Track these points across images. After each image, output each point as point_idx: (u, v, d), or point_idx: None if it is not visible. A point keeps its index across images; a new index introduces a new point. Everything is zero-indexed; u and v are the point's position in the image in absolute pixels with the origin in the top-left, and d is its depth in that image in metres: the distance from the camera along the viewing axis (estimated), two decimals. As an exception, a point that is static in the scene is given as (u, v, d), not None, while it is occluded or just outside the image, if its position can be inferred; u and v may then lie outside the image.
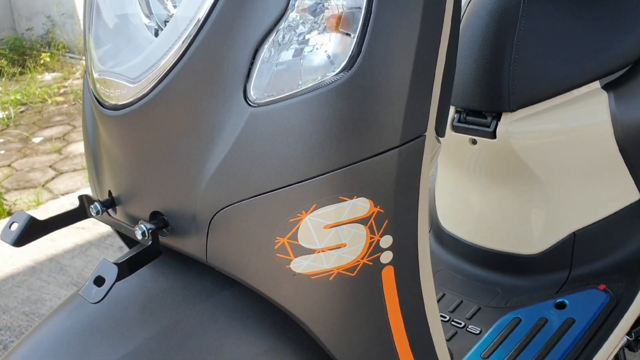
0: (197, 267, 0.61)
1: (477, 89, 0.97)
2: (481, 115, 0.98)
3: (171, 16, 0.54)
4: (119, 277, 0.51)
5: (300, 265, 0.52)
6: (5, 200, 2.43)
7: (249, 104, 0.50)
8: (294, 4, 0.49)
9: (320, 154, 0.49)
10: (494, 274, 1.09)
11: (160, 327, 0.56)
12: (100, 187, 0.65)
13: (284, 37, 0.50)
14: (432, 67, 0.52)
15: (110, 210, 0.64)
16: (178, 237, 0.56)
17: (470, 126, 1.00)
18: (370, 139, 0.50)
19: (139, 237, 0.55)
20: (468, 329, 0.99)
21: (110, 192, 0.63)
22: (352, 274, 0.52)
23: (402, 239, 0.53)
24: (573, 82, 0.97)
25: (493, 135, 0.97)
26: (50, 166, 2.81)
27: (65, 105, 3.76)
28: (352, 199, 0.50)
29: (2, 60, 4.46)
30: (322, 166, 0.49)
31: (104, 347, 0.55)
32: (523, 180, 1.01)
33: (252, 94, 0.50)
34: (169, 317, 0.57)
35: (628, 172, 1.03)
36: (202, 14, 0.50)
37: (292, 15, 0.49)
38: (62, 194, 2.49)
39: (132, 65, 0.54)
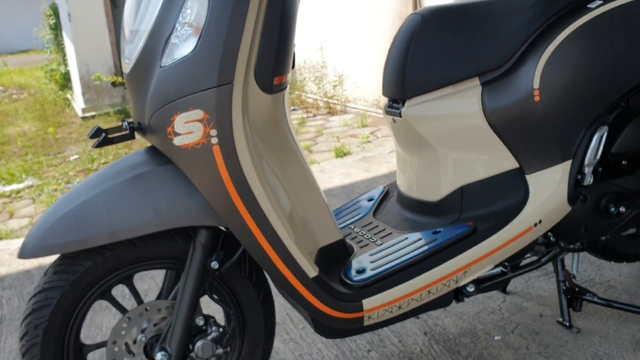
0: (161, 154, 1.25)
1: (390, 83, 1.47)
2: (397, 102, 1.48)
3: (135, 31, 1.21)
4: (103, 139, 1.18)
5: (178, 141, 1.13)
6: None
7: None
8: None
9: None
10: (414, 214, 1.54)
11: (138, 173, 1.20)
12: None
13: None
14: (237, 45, 1.10)
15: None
16: (147, 133, 1.21)
17: (392, 110, 1.50)
18: (202, 78, 1.10)
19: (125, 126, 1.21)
20: (374, 242, 1.47)
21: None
22: (198, 147, 1.13)
23: (221, 128, 1.12)
24: (454, 79, 1.41)
25: (400, 116, 1.46)
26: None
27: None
28: (193, 109, 1.11)
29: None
30: (191, 89, 1.11)
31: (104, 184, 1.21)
32: (423, 148, 1.47)
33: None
34: (147, 168, 1.21)
35: (504, 146, 1.42)
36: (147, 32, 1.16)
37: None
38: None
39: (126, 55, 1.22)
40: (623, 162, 1.57)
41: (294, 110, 5.39)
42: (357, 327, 1.36)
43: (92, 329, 1.93)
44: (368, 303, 1.31)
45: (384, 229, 1.53)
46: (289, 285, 1.25)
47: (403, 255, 1.37)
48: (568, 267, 1.68)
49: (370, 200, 1.71)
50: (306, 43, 5.48)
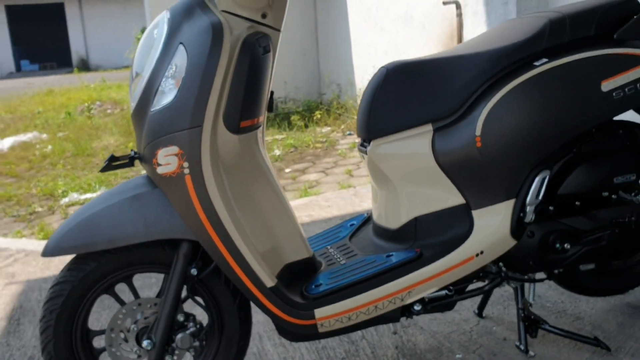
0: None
1: (359, 125, 1.70)
2: (365, 142, 1.71)
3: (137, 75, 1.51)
4: (107, 165, 1.49)
5: (159, 170, 1.42)
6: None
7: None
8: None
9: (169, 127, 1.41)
10: (379, 240, 1.76)
11: (135, 194, 1.51)
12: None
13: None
14: (206, 95, 1.38)
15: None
16: (142, 162, 1.51)
17: (362, 148, 1.73)
18: (178, 121, 1.39)
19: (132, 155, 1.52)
20: (340, 261, 1.70)
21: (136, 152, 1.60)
22: (174, 175, 1.41)
23: (192, 162, 1.40)
24: (410, 124, 1.63)
25: (367, 154, 1.69)
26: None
27: (319, 150, 5.03)
28: (171, 146, 1.40)
29: (295, 116, 6.02)
30: (170, 130, 1.40)
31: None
32: (386, 182, 1.69)
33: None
34: (143, 190, 1.51)
35: (452, 184, 1.62)
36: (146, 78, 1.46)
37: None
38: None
39: (132, 97, 1.53)
40: (576, 202, 1.72)
41: (349, 135, 5.66)
42: (313, 333, 1.59)
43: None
44: (319, 312, 1.54)
45: (352, 251, 1.76)
46: (249, 293, 1.51)
47: (356, 274, 1.60)
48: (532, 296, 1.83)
49: (351, 225, 1.94)
50: (363, 73, 5.75)
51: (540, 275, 1.80)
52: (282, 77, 6.60)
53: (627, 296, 2.09)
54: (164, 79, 1.43)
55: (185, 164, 1.41)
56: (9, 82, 18.85)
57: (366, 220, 1.94)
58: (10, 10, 25.46)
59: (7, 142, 6.95)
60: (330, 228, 1.98)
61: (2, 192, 4.60)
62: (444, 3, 4.01)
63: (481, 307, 2.07)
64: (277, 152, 5.03)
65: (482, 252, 1.60)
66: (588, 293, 1.96)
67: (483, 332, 1.97)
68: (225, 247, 1.46)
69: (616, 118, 1.73)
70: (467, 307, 2.13)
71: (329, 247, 1.84)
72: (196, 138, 1.40)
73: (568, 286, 1.93)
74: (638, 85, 1.64)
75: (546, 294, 2.17)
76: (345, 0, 6.08)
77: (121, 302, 1.61)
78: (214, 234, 1.45)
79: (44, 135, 7.27)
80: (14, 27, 25.90)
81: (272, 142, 5.45)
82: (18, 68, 25.89)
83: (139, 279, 1.75)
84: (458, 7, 3.90)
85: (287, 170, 4.53)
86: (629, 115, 1.89)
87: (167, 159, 1.42)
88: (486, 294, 2.05)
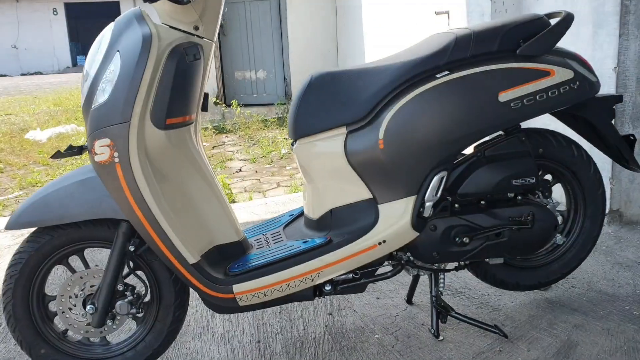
0: None
1: (288, 126, 1.92)
2: (294, 141, 1.93)
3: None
4: (56, 153, 1.75)
5: (96, 158, 1.68)
6: (233, 193, 3.93)
7: None
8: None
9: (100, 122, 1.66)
10: (305, 229, 1.98)
11: (83, 178, 1.77)
12: None
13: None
14: (134, 95, 1.63)
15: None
16: (88, 152, 1.77)
17: (292, 147, 1.95)
18: (110, 117, 1.64)
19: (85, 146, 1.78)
20: (267, 245, 1.92)
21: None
22: (107, 163, 1.66)
23: (121, 152, 1.64)
24: (328, 126, 1.83)
25: (293, 152, 1.91)
26: (277, 183, 4.26)
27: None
28: (104, 138, 1.65)
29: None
30: (104, 124, 1.66)
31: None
32: (308, 177, 1.91)
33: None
34: (90, 175, 1.77)
35: (361, 180, 1.82)
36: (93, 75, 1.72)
37: None
38: (267, 197, 3.88)
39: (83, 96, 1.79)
40: (481, 201, 1.90)
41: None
42: (234, 306, 1.82)
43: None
44: (237, 288, 1.77)
45: (281, 237, 1.98)
46: (173, 267, 1.75)
47: (273, 256, 1.82)
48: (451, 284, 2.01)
49: (290, 215, 2.16)
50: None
51: (450, 266, 1.99)
52: (301, 79, 6.84)
53: (547, 292, 2.24)
54: (103, 81, 1.68)
55: (116, 154, 1.66)
56: (64, 76, 19.76)
57: (302, 212, 2.15)
58: (69, 7, 26.57)
59: (46, 134, 7.42)
60: (272, 218, 2.20)
61: (29, 179, 4.99)
62: (436, 13, 4.17)
63: (409, 294, 2.26)
64: (284, 151, 5.27)
65: (384, 242, 1.79)
66: (504, 286, 2.12)
67: (407, 317, 2.16)
68: (151, 226, 1.70)
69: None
70: (401, 295, 2.32)
71: (265, 233, 2.07)
72: (124, 132, 1.65)
73: (484, 278, 2.10)
74: (537, 97, 1.80)
75: (476, 287, 2.34)
76: (361, 7, 6.28)
77: (73, 272, 1.88)
78: (141, 215, 1.70)
79: (81, 128, 7.71)
80: (72, 23, 27.01)
81: (282, 141, 5.71)
82: (74, 63, 27.00)
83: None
84: (449, 17, 4.06)
85: (287, 167, 4.78)
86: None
87: (102, 149, 1.67)
88: (412, 284, 2.24)
